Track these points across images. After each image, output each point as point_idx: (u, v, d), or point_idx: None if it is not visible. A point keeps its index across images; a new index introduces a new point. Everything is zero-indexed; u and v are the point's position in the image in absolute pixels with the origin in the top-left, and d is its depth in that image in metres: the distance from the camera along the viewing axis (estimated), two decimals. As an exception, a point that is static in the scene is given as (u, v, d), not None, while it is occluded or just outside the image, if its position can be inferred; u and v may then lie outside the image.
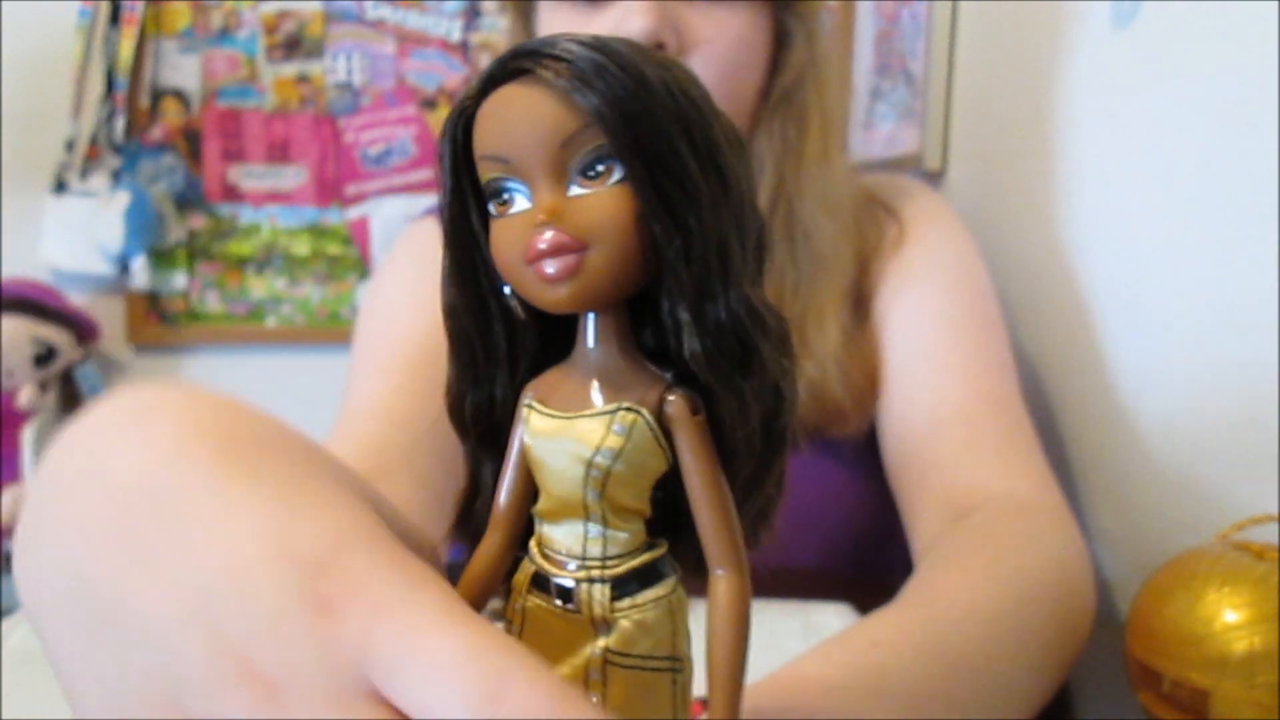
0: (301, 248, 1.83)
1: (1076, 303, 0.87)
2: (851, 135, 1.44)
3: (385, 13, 1.81)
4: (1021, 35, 1.00)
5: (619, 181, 0.26)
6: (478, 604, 0.29)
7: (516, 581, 0.28)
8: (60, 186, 1.72)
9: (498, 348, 0.30)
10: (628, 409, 0.27)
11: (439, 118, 1.83)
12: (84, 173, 1.73)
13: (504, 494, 0.29)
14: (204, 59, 1.78)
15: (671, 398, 0.27)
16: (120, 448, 0.28)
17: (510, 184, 0.27)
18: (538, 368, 0.30)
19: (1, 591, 0.65)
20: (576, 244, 0.26)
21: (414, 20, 1.81)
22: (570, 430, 0.27)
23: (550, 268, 0.26)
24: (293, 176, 1.82)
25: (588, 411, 0.27)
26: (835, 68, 0.80)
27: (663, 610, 0.27)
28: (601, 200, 0.26)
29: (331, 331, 1.81)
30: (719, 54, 0.72)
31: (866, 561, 0.82)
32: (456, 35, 1.82)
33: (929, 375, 0.75)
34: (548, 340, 0.30)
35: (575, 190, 0.26)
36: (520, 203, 0.27)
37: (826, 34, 0.80)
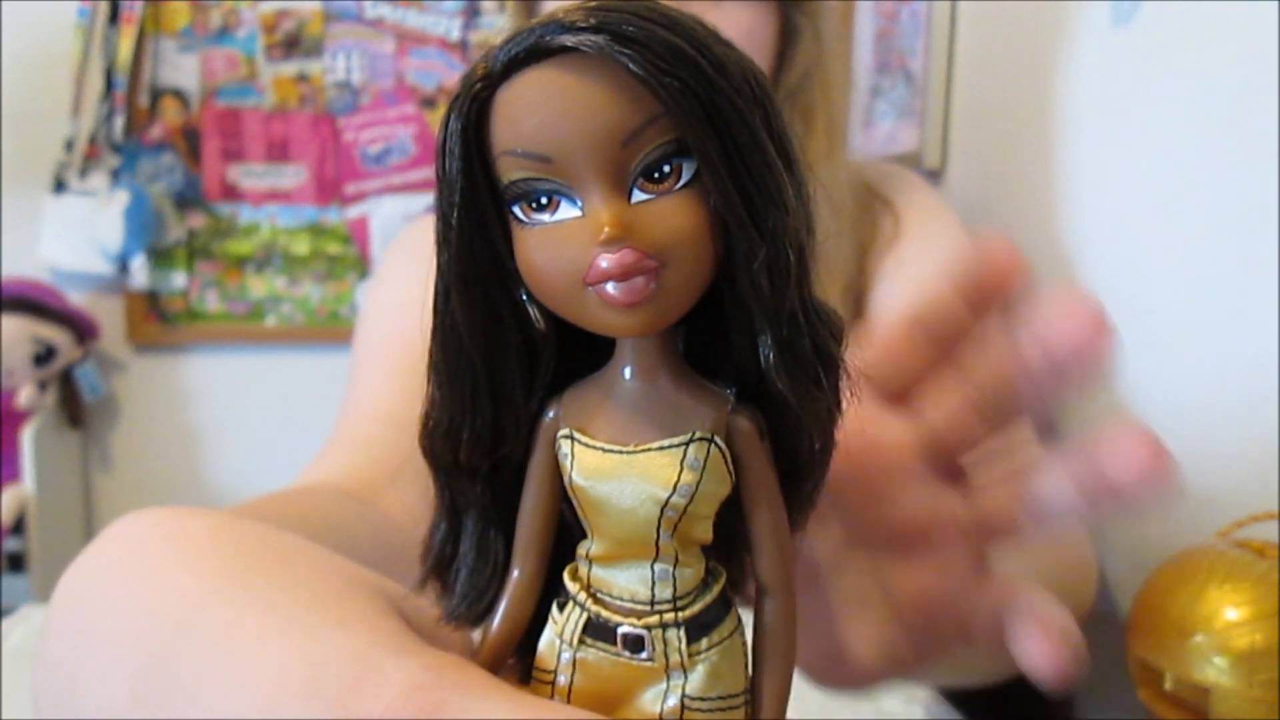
0: (301, 247, 1.83)
1: (1076, 301, 0.87)
2: (851, 133, 1.44)
3: (384, 11, 1.81)
4: (1021, 33, 1.00)
5: (688, 184, 0.22)
6: (506, 664, 0.26)
7: (559, 633, 0.25)
8: (59, 186, 1.72)
9: (507, 368, 0.25)
10: (700, 439, 0.24)
11: (438, 116, 1.83)
12: (83, 172, 1.73)
13: (528, 538, 0.26)
14: (203, 58, 1.78)
15: (740, 420, 0.24)
16: (138, 582, 0.28)
17: (549, 186, 0.23)
18: (554, 388, 0.26)
19: (1, 591, 0.65)
20: (652, 263, 0.22)
21: (413, 19, 1.81)
22: (634, 467, 0.24)
23: (620, 292, 0.22)
24: (292, 175, 1.82)
25: (653, 445, 0.24)
26: (841, 66, 0.79)
27: (736, 644, 0.25)
28: (674, 208, 0.22)
29: (331, 331, 1.81)
30: None
31: None
32: (456, 34, 1.82)
33: None
34: (566, 355, 0.26)
35: (639, 196, 0.22)
36: (565, 209, 0.23)
37: (833, 32, 0.80)
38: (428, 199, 1.82)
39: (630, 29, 0.21)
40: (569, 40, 0.21)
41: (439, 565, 0.27)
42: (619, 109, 0.22)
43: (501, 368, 0.25)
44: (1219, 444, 0.71)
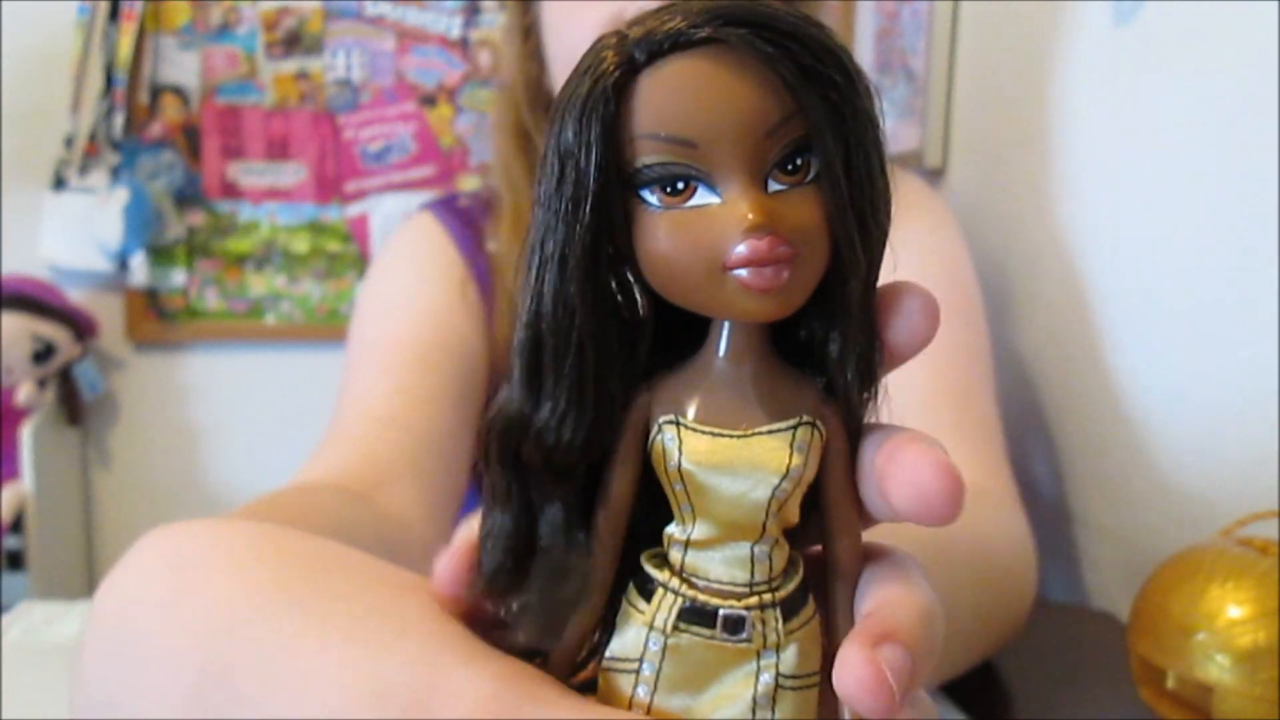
0: (301, 245, 1.83)
1: (1077, 299, 0.87)
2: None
3: (385, 9, 1.81)
4: (1022, 33, 1.00)
5: (814, 179, 0.24)
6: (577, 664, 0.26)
7: (647, 619, 0.25)
8: (59, 183, 1.72)
9: (611, 355, 0.25)
10: (806, 423, 0.25)
11: (438, 114, 1.83)
12: (83, 169, 1.72)
13: (611, 530, 0.26)
14: (203, 55, 1.78)
15: (830, 406, 0.25)
16: (184, 596, 0.28)
17: (688, 172, 0.23)
18: (646, 375, 0.26)
19: (1, 588, 0.65)
20: (790, 251, 0.23)
21: (413, 17, 1.81)
22: (747, 451, 0.25)
23: (758, 277, 0.23)
24: (292, 173, 1.82)
25: (763, 428, 0.25)
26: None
27: (816, 624, 0.26)
28: (806, 200, 0.24)
29: (331, 329, 1.81)
30: None
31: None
32: (456, 32, 1.82)
33: None
34: (660, 343, 0.26)
35: (774, 186, 0.24)
36: (702, 195, 0.24)
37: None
38: (428, 197, 1.82)
39: (776, 27, 0.23)
40: (716, 33, 0.23)
41: (504, 577, 0.26)
42: (764, 101, 0.23)
43: (606, 354, 0.25)
44: (1220, 442, 0.70)
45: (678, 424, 0.25)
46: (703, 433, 0.25)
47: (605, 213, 0.24)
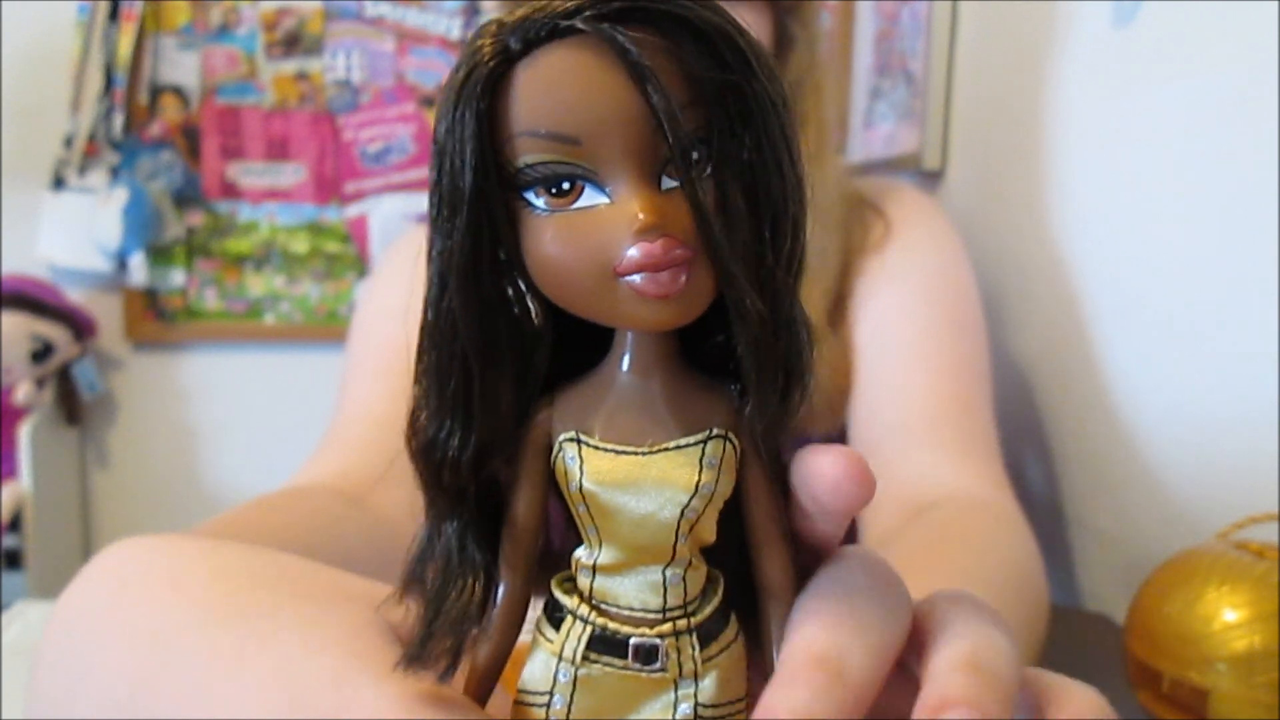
0: (300, 245, 1.83)
1: (1075, 302, 0.87)
2: (851, 135, 1.44)
3: (385, 10, 1.81)
4: (1022, 34, 1.00)
5: (713, 174, 0.22)
6: (492, 689, 0.25)
7: (556, 650, 0.24)
8: (58, 183, 1.72)
9: (501, 368, 0.23)
10: (717, 436, 0.23)
11: (438, 116, 1.83)
12: (82, 169, 1.72)
13: (517, 552, 0.24)
14: (203, 56, 1.78)
15: (745, 414, 0.23)
16: (124, 612, 0.29)
17: (573, 171, 0.21)
18: (546, 388, 0.25)
19: (1, 586, 0.65)
20: (686, 254, 0.21)
21: (413, 18, 1.81)
22: (651, 468, 0.23)
23: (652, 283, 0.21)
24: (291, 174, 1.82)
25: (669, 444, 0.23)
26: (832, 73, 0.79)
27: (738, 649, 0.24)
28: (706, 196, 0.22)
29: (329, 329, 1.81)
30: None
31: None
32: (456, 33, 1.82)
33: (896, 376, 0.75)
34: (562, 354, 0.25)
35: (667, 184, 0.22)
36: (590, 196, 0.22)
37: (826, 37, 0.80)
38: (427, 198, 1.82)
39: (662, 12, 0.21)
40: (596, 21, 0.21)
41: (414, 591, 0.25)
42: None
43: (495, 367, 0.23)
44: (1217, 446, 0.70)
45: (579, 441, 0.23)
46: (605, 450, 0.23)
47: (486, 216, 0.22)
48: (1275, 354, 0.64)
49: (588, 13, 0.21)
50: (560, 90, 0.21)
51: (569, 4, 0.21)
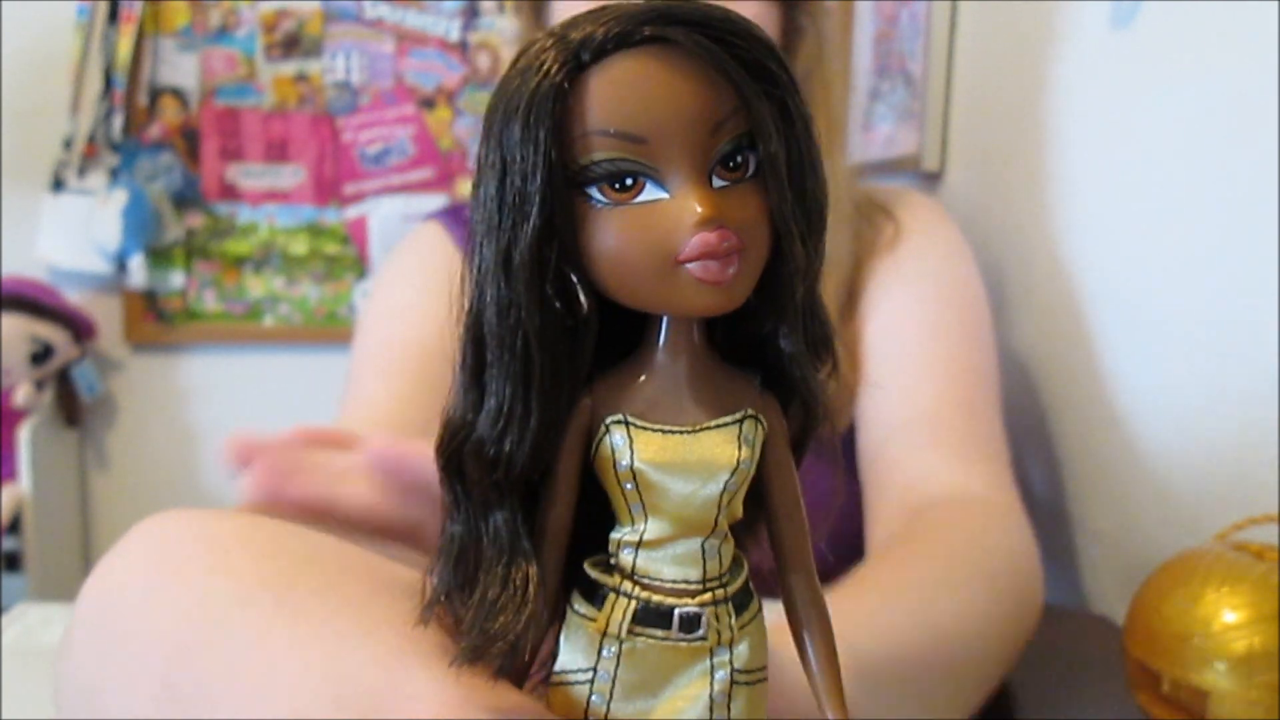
0: (299, 247, 1.83)
1: (1075, 303, 0.87)
2: (850, 136, 1.44)
3: (384, 12, 1.81)
4: (1021, 36, 1.00)
5: (754, 175, 0.24)
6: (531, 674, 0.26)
7: (600, 627, 0.25)
8: (58, 184, 1.72)
9: (559, 358, 0.25)
10: (750, 416, 0.25)
11: (437, 117, 1.83)
12: (82, 171, 1.72)
13: (556, 537, 0.26)
14: (202, 57, 1.78)
15: (771, 400, 0.26)
16: (165, 584, 0.29)
17: (636, 168, 0.24)
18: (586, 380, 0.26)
19: (1, 588, 0.65)
20: (739, 244, 0.23)
21: (413, 19, 1.81)
22: (696, 447, 0.25)
23: (710, 271, 0.23)
24: (291, 175, 1.82)
25: (710, 423, 0.25)
26: (840, 66, 0.80)
27: (762, 619, 0.26)
28: (748, 195, 0.24)
29: (329, 331, 1.81)
30: None
31: (843, 557, 0.82)
32: (455, 34, 1.82)
33: (905, 378, 0.76)
34: (602, 344, 0.26)
35: (717, 182, 0.24)
36: (650, 191, 0.24)
37: (833, 32, 0.80)
38: (427, 199, 1.82)
39: (720, 26, 0.23)
40: (661, 31, 0.23)
41: (454, 589, 0.25)
42: (711, 98, 0.23)
43: (554, 360, 0.25)
44: (1216, 446, 0.70)
45: (626, 423, 0.25)
46: (653, 430, 0.25)
47: (551, 212, 0.24)
48: (1275, 353, 0.64)
49: (650, 26, 0.23)
50: (630, 94, 0.23)
51: (630, 20, 0.23)
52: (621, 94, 0.23)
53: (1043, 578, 0.64)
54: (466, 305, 0.25)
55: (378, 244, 1.81)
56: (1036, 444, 0.92)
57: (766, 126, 0.24)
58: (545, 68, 0.23)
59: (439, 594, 0.25)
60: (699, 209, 0.23)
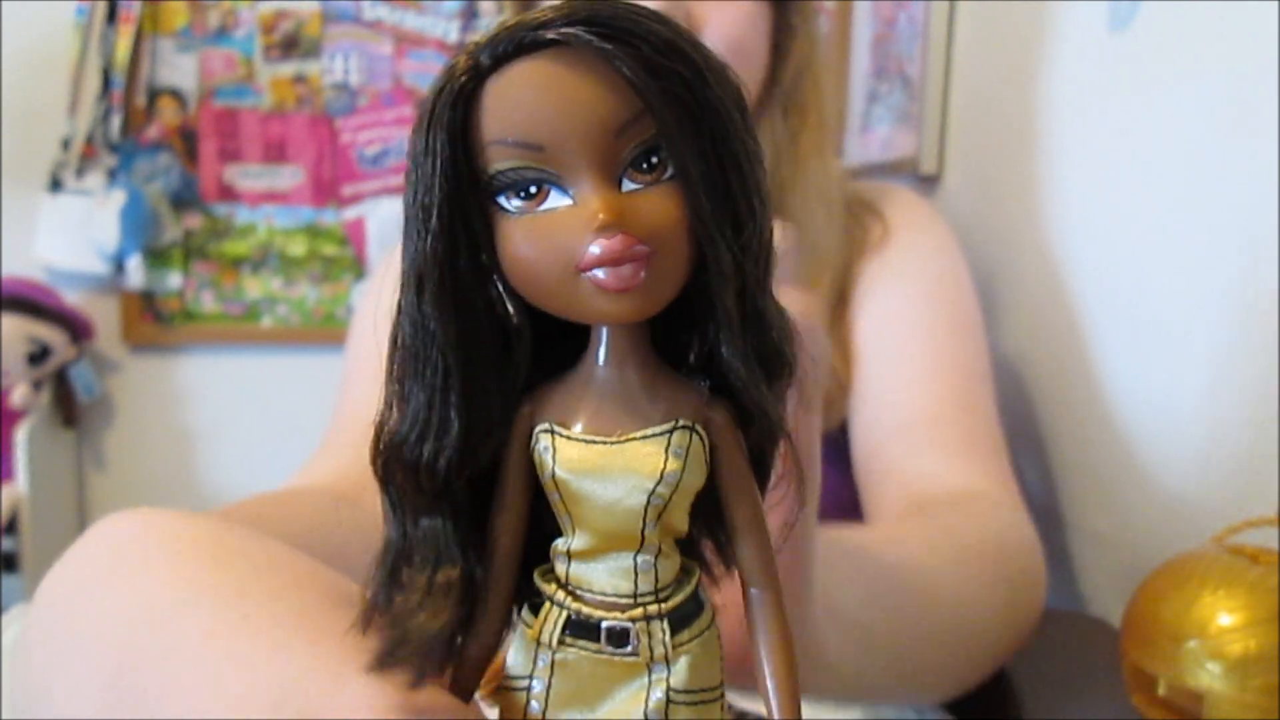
0: (297, 248, 1.83)
1: (1072, 306, 0.87)
2: (848, 139, 1.45)
3: (383, 13, 1.81)
4: (1019, 38, 1.00)
5: (673, 176, 0.23)
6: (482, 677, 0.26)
7: (534, 634, 0.25)
8: (56, 185, 1.71)
9: (483, 368, 0.25)
10: (683, 427, 0.24)
11: (436, 118, 1.83)
12: (80, 171, 1.72)
13: (504, 546, 0.25)
14: (201, 58, 1.78)
15: (717, 411, 0.25)
16: (117, 585, 0.29)
17: (539, 175, 0.23)
18: (528, 387, 0.26)
19: (1, 589, 0.65)
20: (644, 250, 0.23)
21: (411, 20, 1.81)
22: (619, 457, 0.24)
23: (613, 277, 0.23)
24: (289, 176, 1.82)
25: (637, 434, 0.24)
26: (832, 65, 0.80)
27: (712, 637, 0.25)
28: (662, 198, 0.23)
29: (327, 332, 1.81)
30: (726, 41, 0.72)
31: None
32: (454, 36, 1.82)
33: (898, 378, 0.76)
34: (537, 355, 0.26)
35: (628, 185, 0.23)
36: (555, 198, 0.23)
37: (825, 34, 0.81)
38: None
39: (619, 25, 0.22)
40: (558, 34, 0.22)
41: (385, 595, 0.25)
42: (612, 101, 0.23)
43: (476, 367, 0.24)
44: (1213, 449, 0.71)
45: (552, 432, 0.25)
46: (576, 440, 0.25)
47: (463, 223, 0.24)
48: (1273, 357, 0.64)
49: (549, 29, 0.22)
50: (524, 101, 0.23)
51: (533, 21, 0.22)
52: (516, 101, 0.23)
53: (1045, 572, 0.64)
54: (395, 307, 0.25)
55: (376, 245, 1.81)
56: (1034, 446, 0.92)
57: (670, 128, 0.23)
58: (451, 76, 0.23)
59: (374, 600, 0.25)
60: (599, 214, 0.22)
